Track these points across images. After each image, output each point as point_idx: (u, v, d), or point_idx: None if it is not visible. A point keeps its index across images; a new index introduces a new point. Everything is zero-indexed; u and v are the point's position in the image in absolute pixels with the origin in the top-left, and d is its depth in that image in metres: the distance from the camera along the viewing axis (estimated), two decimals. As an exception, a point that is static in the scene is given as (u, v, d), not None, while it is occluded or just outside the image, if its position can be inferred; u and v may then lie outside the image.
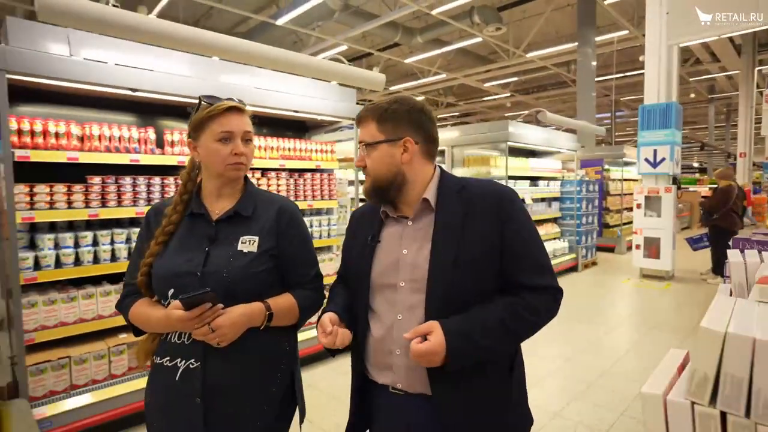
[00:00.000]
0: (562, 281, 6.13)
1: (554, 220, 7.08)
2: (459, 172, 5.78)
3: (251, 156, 1.27)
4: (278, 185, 3.41)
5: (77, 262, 2.54)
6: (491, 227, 1.03)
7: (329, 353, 1.10)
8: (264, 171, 3.39)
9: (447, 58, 12.51)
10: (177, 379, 1.14)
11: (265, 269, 1.18)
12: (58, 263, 2.47)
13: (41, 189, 2.42)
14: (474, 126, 5.50)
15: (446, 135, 5.88)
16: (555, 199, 6.98)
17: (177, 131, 2.96)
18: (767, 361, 0.63)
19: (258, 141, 3.30)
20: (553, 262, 6.36)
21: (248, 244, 1.20)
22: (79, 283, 2.64)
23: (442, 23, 9.60)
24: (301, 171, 3.64)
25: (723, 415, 0.68)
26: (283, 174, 3.47)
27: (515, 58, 11.79)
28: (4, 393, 2.21)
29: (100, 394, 2.53)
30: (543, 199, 6.77)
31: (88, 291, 2.57)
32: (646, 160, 6.11)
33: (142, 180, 2.75)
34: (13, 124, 2.30)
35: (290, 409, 1.29)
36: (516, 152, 6.30)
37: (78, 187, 2.54)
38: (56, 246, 2.48)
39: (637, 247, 6.21)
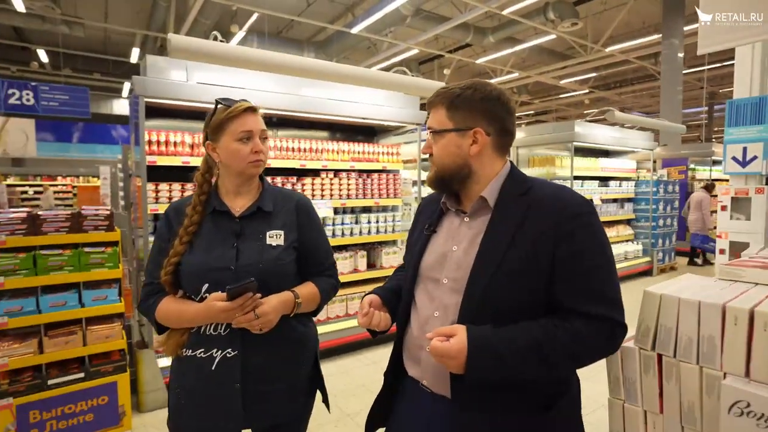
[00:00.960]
0: (633, 285, 5.92)
1: (627, 222, 6.80)
2: (524, 172, 5.85)
3: (267, 154, 1.31)
4: (348, 185, 3.82)
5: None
6: (545, 242, 0.92)
7: (371, 335, 1.12)
8: (336, 172, 3.82)
9: (521, 56, 12.27)
10: (213, 368, 1.19)
11: (290, 260, 1.26)
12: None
13: (163, 187, 3.03)
14: (539, 126, 5.52)
15: (511, 136, 5.95)
16: (628, 200, 6.71)
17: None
18: (687, 314, 0.83)
19: (331, 145, 3.74)
20: (624, 265, 6.15)
21: (275, 238, 1.26)
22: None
23: (515, 21, 9.48)
24: (369, 172, 4.02)
25: (659, 356, 0.89)
26: (353, 174, 3.88)
27: (594, 53, 11.29)
28: (138, 345, 2.84)
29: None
30: (615, 200, 6.56)
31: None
32: (734, 158, 5.68)
33: (237, 180, 3.29)
34: (146, 136, 2.93)
35: (314, 386, 1.37)
36: (586, 152, 6.18)
37: (189, 186, 3.13)
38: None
39: (721, 251, 5.79)
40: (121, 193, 4.14)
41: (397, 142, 4.27)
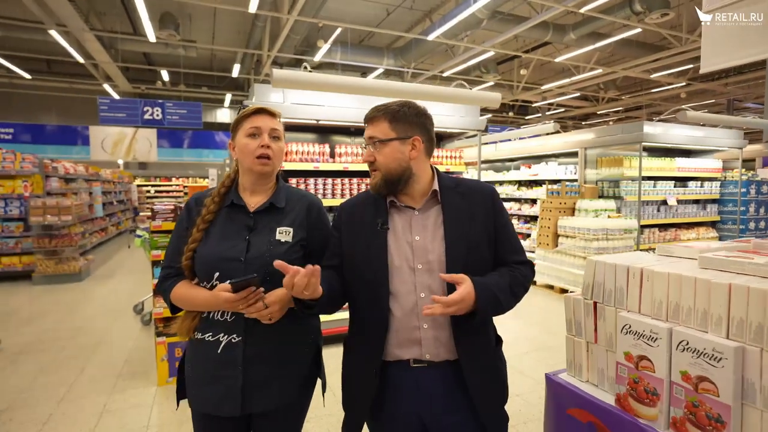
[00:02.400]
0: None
1: (712, 225, 6.45)
2: (592, 173, 5.87)
3: (279, 153, 1.35)
4: (415, 185, 4.31)
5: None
6: (487, 218, 1.24)
7: (301, 306, 1.16)
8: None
9: (606, 51, 11.77)
10: (219, 351, 1.27)
11: (297, 257, 1.29)
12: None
13: (263, 186, 3.78)
14: (607, 128, 5.52)
15: (578, 137, 6.00)
16: (712, 201, 6.37)
17: (344, 145, 4.10)
18: (609, 273, 1.21)
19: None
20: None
21: (284, 234, 1.31)
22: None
23: (602, 11, 9.10)
24: (434, 173, 4.48)
25: (595, 303, 1.27)
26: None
27: (689, 44, 10.52)
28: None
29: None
30: (696, 201, 6.28)
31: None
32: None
33: (320, 180, 3.95)
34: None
35: (314, 376, 1.42)
36: (662, 152, 6.03)
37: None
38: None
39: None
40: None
41: (460, 146, 4.68)
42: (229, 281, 1.15)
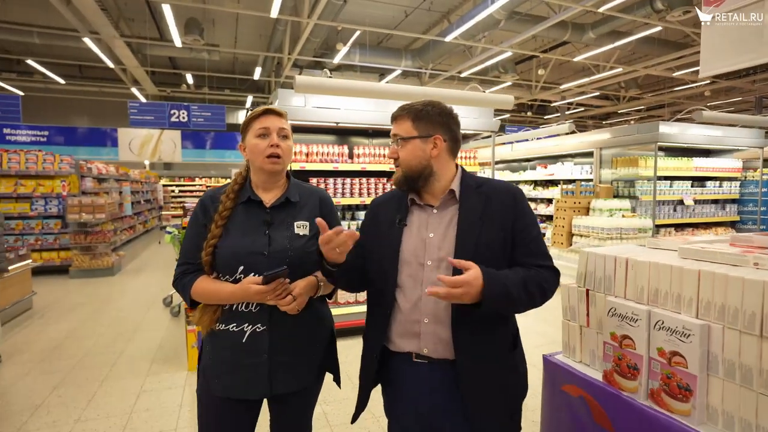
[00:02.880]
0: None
1: (732, 225, 6.40)
2: (607, 173, 5.91)
3: (288, 152, 1.40)
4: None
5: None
6: (504, 220, 1.22)
7: (329, 272, 1.24)
8: (420, 173, 4.50)
9: (626, 50, 11.64)
10: (244, 341, 1.32)
11: (314, 249, 1.28)
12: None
13: (286, 186, 3.99)
14: (622, 128, 5.55)
15: (594, 137, 6.04)
16: (732, 201, 6.32)
17: (361, 146, 4.27)
18: (599, 263, 1.35)
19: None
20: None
21: (302, 228, 1.38)
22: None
23: (621, 10, 9.00)
24: (449, 173, 4.63)
25: (587, 290, 1.40)
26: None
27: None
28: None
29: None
30: (716, 201, 6.24)
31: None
32: None
33: (339, 180, 4.14)
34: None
35: (329, 360, 1.50)
36: (679, 151, 6.03)
37: (305, 185, 4.05)
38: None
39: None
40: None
41: (475, 146, 4.81)
42: (264, 273, 1.21)
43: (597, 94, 15.82)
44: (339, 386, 1.55)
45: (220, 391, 1.34)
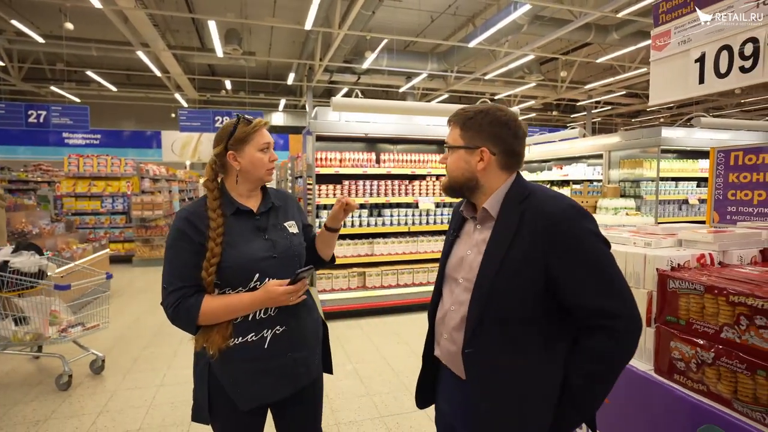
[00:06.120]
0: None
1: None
2: (615, 174, 6.32)
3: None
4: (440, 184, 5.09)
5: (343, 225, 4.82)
6: (537, 247, 1.02)
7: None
8: (438, 176, 5.09)
9: (651, 49, 11.55)
10: (266, 347, 1.31)
11: (306, 244, 1.44)
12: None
13: (323, 188, 4.66)
14: (629, 132, 5.93)
15: (604, 141, 6.45)
16: (740, 200, 6.57)
17: (387, 153, 4.91)
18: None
19: (435, 156, 5.03)
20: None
21: (293, 227, 1.44)
22: (341, 237, 4.94)
23: (642, 14, 9.04)
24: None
25: None
26: (444, 178, 5.14)
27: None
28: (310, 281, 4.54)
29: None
30: (724, 200, 6.52)
31: (344, 240, 4.74)
32: None
33: (368, 182, 4.79)
34: (315, 156, 4.59)
35: (325, 345, 1.55)
36: (689, 153, 6.37)
37: (338, 187, 4.71)
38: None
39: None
40: (288, 191, 6.00)
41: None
42: (296, 273, 1.26)
43: (624, 92, 15.77)
44: (331, 372, 1.56)
45: (248, 404, 1.31)
